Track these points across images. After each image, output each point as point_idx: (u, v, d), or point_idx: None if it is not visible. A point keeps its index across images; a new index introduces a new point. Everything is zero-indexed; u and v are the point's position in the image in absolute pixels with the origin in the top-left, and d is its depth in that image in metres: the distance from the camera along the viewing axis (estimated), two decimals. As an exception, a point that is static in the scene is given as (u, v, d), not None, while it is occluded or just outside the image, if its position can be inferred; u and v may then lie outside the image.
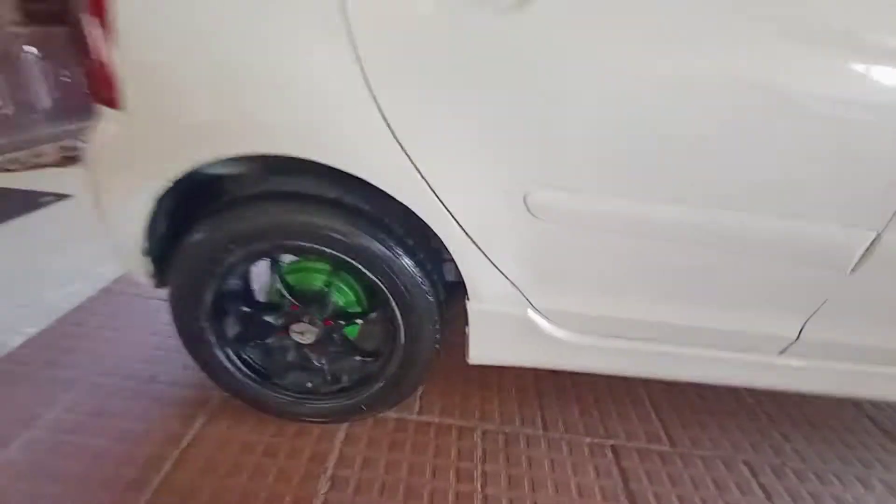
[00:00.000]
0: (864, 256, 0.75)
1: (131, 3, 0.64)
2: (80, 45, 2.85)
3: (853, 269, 0.76)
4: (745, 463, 1.01)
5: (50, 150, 2.45)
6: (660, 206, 0.73)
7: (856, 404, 1.22)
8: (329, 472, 0.88)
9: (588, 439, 1.02)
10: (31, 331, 1.16)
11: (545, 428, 1.04)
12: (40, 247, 1.58)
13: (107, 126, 0.74)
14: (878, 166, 0.68)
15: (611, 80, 0.65)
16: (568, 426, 1.05)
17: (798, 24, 0.62)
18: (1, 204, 1.85)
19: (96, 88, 0.71)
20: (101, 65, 0.68)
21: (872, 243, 0.74)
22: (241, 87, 0.66)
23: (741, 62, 0.63)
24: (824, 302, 0.82)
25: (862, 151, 0.67)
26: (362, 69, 0.64)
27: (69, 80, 2.85)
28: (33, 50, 2.59)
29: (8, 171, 2.22)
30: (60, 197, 1.95)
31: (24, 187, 2.04)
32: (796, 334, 0.86)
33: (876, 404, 1.23)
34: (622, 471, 0.95)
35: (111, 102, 0.70)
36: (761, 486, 0.96)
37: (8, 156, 2.29)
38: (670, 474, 0.96)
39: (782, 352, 0.89)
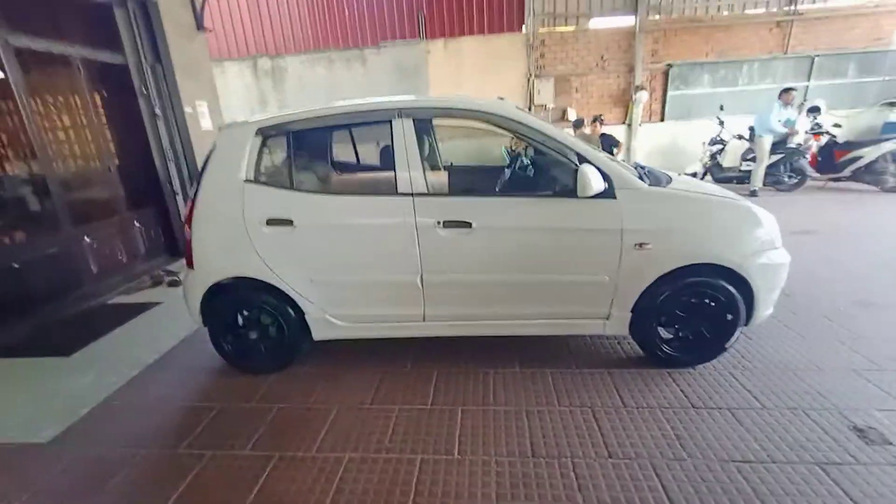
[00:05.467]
0: (422, 281, 2.28)
1: (199, 227, 2.33)
2: (163, 218, 4.87)
3: (421, 286, 2.29)
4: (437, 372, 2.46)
5: (146, 279, 4.31)
6: (358, 276, 2.31)
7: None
8: (264, 389, 2.41)
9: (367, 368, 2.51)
10: (172, 342, 2.81)
11: (349, 364, 2.54)
12: (153, 327, 3.28)
13: (189, 274, 2.43)
14: (404, 255, 2.24)
15: (326, 244, 2.27)
16: (359, 360, 2.55)
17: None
18: (131, 310, 3.61)
19: (188, 260, 2.40)
20: (189, 250, 2.37)
21: (421, 277, 2.28)
22: (224, 257, 2.34)
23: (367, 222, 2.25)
24: (424, 301, 2.33)
25: (390, 246, 2.24)
26: (256, 249, 2.30)
27: (153, 237, 4.82)
28: (137, 224, 4.58)
29: (127, 293, 4.04)
30: (157, 304, 3.72)
31: (138, 301, 3.84)
32: (423, 313, 2.37)
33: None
34: (381, 381, 2.42)
35: (191, 265, 2.38)
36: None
37: (127, 286, 4.14)
38: (409, 386, 2.42)
39: (423, 320, 2.38)
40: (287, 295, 2.37)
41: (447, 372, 2.47)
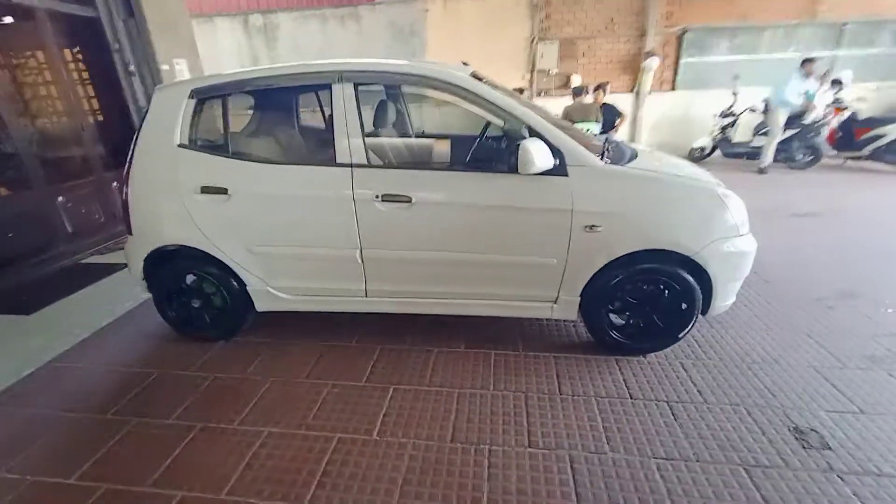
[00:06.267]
0: (362, 256, 2.19)
1: (134, 193, 2.27)
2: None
3: (361, 261, 2.20)
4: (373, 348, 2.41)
5: (125, 239, 4.32)
6: (297, 248, 2.23)
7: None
8: (206, 357, 2.40)
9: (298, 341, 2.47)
10: (130, 304, 2.82)
11: (296, 336, 2.50)
12: (117, 288, 3.29)
13: (129, 239, 2.38)
14: (343, 228, 2.14)
15: (262, 215, 2.18)
16: (306, 332, 2.51)
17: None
18: (100, 271, 3.62)
19: (126, 225, 2.35)
20: (127, 215, 2.31)
21: (361, 252, 2.18)
22: (160, 224, 2.27)
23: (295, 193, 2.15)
24: (365, 276, 2.25)
25: (328, 219, 2.13)
26: (192, 218, 2.22)
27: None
28: (115, 183, 4.55)
29: (102, 253, 4.06)
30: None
31: (110, 261, 3.85)
32: (364, 289, 2.29)
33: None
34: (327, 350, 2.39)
35: (130, 232, 2.33)
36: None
37: (103, 245, 4.16)
38: (349, 361, 2.38)
39: (366, 296, 2.31)
40: (228, 265, 2.31)
41: (391, 349, 2.41)
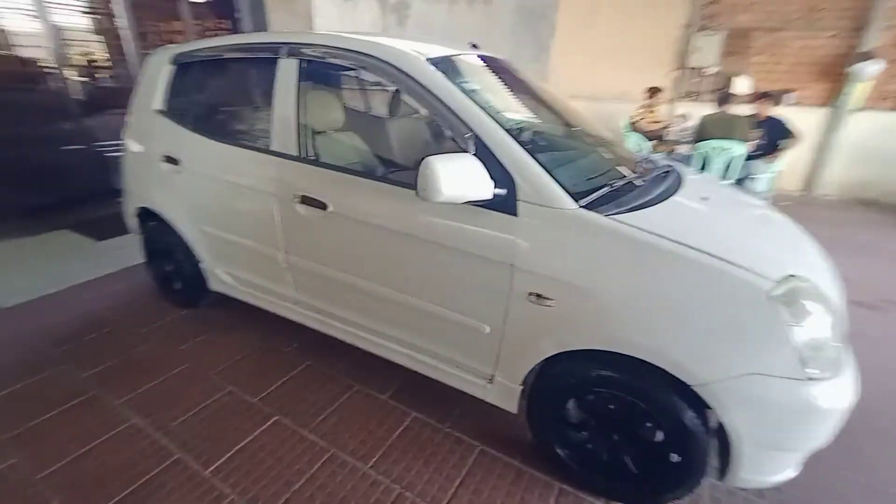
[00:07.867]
0: (286, 259, 1.89)
1: (125, 151, 2.37)
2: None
3: (287, 265, 1.91)
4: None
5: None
6: (231, 235, 2.05)
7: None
8: (160, 322, 2.44)
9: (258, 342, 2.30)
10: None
11: (245, 323, 2.37)
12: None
13: (124, 195, 2.52)
14: (268, 225, 1.86)
15: (205, 193, 2.05)
16: (256, 323, 2.35)
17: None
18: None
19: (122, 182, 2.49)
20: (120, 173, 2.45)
21: (285, 254, 1.88)
22: (139, 186, 2.33)
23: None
24: (293, 281, 1.95)
25: (257, 211, 1.87)
26: (160, 188, 2.21)
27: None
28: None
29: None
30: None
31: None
32: (294, 296, 2.00)
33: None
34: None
35: (123, 187, 2.47)
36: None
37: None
38: (264, 371, 2.16)
39: (295, 304, 2.02)
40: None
41: (316, 369, 2.10)
